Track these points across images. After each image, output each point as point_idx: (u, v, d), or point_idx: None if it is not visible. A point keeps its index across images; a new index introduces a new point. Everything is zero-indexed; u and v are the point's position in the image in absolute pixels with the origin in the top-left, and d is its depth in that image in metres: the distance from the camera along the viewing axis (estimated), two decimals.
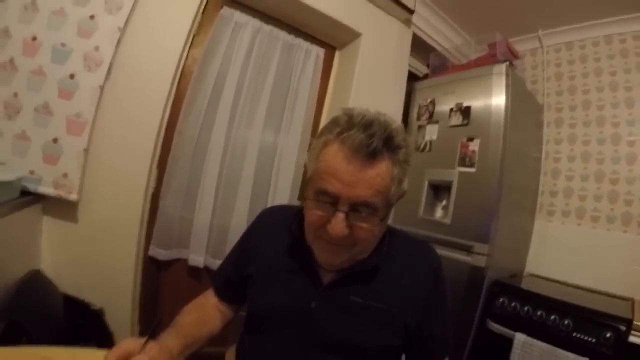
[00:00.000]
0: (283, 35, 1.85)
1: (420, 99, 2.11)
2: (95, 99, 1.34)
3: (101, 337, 1.31)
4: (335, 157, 0.64)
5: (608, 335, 1.29)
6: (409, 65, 2.19)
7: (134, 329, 1.51)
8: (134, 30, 1.39)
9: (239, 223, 1.72)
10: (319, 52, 1.95)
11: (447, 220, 1.79)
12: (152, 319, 1.55)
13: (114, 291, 1.43)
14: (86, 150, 1.33)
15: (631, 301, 1.60)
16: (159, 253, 1.59)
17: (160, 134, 1.52)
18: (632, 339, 1.27)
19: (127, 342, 0.60)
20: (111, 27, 1.35)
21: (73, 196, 1.31)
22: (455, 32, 2.36)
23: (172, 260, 1.64)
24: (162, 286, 1.67)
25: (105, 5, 1.35)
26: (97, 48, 1.33)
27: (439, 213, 1.92)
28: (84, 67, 1.32)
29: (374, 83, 1.95)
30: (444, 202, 1.88)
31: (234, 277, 0.86)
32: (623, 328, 1.29)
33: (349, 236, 0.66)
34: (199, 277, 1.71)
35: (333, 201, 0.65)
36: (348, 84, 1.91)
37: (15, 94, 1.27)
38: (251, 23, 1.76)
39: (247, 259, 0.84)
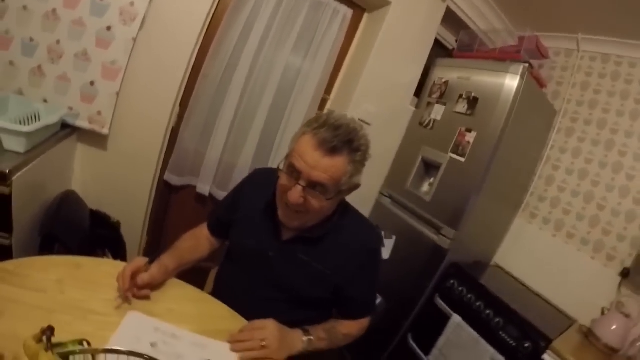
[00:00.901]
0: None
1: (436, 76, 2.12)
2: (128, 49, 1.54)
3: (117, 246, 1.68)
4: (307, 144, 0.85)
5: (527, 345, 1.45)
6: (439, 35, 2.17)
7: (143, 240, 1.91)
8: None
9: (245, 161, 1.97)
10: (346, 12, 1.98)
11: (428, 198, 1.93)
12: (159, 234, 1.99)
13: (131, 208, 1.80)
14: (118, 93, 1.57)
15: (572, 323, 1.72)
16: (172, 179, 1.90)
17: (185, 78, 1.72)
18: (546, 357, 1.41)
19: (137, 260, 0.89)
20: None
21: (105, 130, 1.60)
22: (495, 15, 2.24)
23: (182, 186, 1.96)
24: (171, 207, 2.03)
25: None
26: (132, 4, 1.49)
27: (424, 188, 2.05)
28: (119, 21, 1.49)
29: (395, 51, 2.00)
30: (431, 180, 1.99)
31: (223, 219, 1.12)
32: (542, 344, 1.43)
33: (302, 205, 0.87)
34: (203, 203, 2.03)
35: (297, 176, 0.86)
36: (369, 49, 1.97)
37: (58, 41, 1.49)
38: None
39: (235, 207, 1.09)
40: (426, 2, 2.01)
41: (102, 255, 1.56)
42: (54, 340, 0.55)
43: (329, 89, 2.08)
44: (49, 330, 0.55)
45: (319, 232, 0.96)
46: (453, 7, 2.11)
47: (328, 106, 2.12)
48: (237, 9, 1.78)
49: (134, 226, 1.80)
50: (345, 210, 1.02)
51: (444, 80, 2.05)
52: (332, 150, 0.83)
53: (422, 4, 1.99)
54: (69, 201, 1.50)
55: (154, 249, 1.93)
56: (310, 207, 0.88)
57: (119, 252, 1.66)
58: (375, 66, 1.94)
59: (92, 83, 1.55)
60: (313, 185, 0.85)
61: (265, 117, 1.96)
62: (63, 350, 0.57)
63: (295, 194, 0.85)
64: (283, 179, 0.90)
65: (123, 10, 1.49)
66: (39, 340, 0.55)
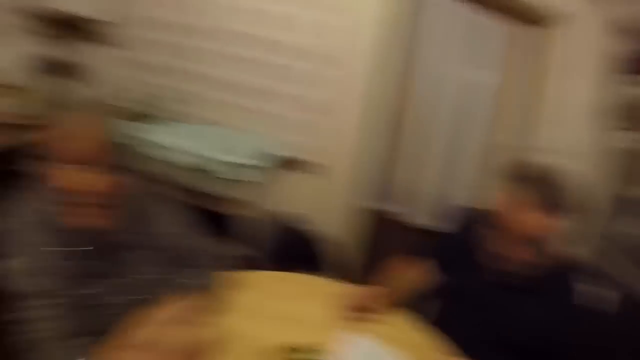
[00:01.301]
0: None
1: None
2: (341, 88, 1.68)
3: (314, 263, 1.79)
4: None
5: None
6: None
7: (349, 260, 1.98)
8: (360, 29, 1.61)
9: (460, 191, 1.86)
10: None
11: None
12: (365, 256, 2.04)
13: (340, 230, 1.94)
14: (336, 130, 1.75)
15: None
16: (385, 206, 1.94)
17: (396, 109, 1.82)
18: None
19: (372, 287, 0.95)
20: (341, 28, 1.61)
21: (323, 161, 1.79)
22: None
23: (394, 213, 1.99)
24: (380, 233, 2.01)
25: (334, 10, 1.61)
26: (335, 48, 1.63)
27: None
28: (325, 63, 1.66)
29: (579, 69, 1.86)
30: None
31: (444, 254, 1.10)
32: None
33: None
34: (413, 232, 2.01)
35: None
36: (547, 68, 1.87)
37: (273, 83, 1.71)
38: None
39: (452, 245, 1.08)
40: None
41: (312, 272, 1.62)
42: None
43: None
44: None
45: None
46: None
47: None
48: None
49: (340, 247, 1.95)
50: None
51: None
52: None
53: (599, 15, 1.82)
54: (292, 223, 1.75)
55: (356, 269, 2.00)
56: None
57: (328, 269, 1.80)
58: (556, 87, 1.85)
59: (309, 120, 1.74)
60: None
61: (443, 143, 1.86)
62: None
63: None
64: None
65: (328, 54, 1.64)
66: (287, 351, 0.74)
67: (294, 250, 1.67)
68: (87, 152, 0.69)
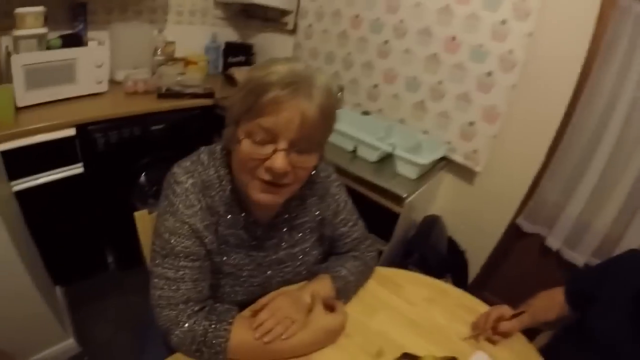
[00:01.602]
0: None
1: None
2: (508, 95, 1.57)
3: (460, 273, 1.86)
4: None
5: None
6: None
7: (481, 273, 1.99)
8: (541, 33, 1.50)
9: (603, 223, 1.66)
10: None
11: None
12: (496, 272, 1.97)
13: (479, 241, 1.91)
14: (495, 137, 1.64)
15: None
16: (524, 224, 1.81)
17: (557, 127, 1.64)
18: None
19: (504, 308, 0.89)
20: (522, 32, 1.49)
21: (478, 168, 1.73)
22: None
23: (532, 233, 1.83)
24: (514, 250, 1.96)
25: (514, 13, 1.49)
26: (510, 52, 1.52)
27: None
28: (499, 68, 1.56)
29: None
30: None
31: (586, 290, 0.98)
32: None
33: None
34: (547, 256, 1.83)
35: None
36: None
37: (440, 82, 1.72)
38: None
39: (600, 284, 0.96)
40: None
41: (445, 279, 1.69)
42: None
43: None
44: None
45: None
46: None
47: None
48: (611, 51, 1.52)
49: (476, 259, 1.95)
50: None
51: None
52: None
53: None
54: (435, 225, 1.73)
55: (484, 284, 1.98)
56: None
57: (460, 279, 1.83)
58: None
59: (471, 123, 1.68)
60: None
61: (634, 176, 1.60)
62: None
63: None
64: None
65: (503, 57, 1.54)
66: None
67: (435, 254, 1.65)
68: (293, 127, 0.62)
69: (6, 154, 1.31)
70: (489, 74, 1.57)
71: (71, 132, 1.47)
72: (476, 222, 1.86)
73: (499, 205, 1.81)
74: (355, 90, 2.02)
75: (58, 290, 1.70)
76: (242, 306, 0.81)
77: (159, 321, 0.72)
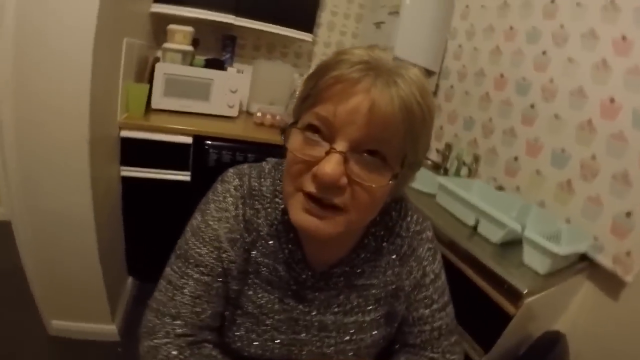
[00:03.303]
0: None
1: None
2: None
3: None
4: None
5: None
6: None
7: None
8: None
9: None
10: None
11: None
12: None
13: None
14: None
15: None
16: None
17: None
18: None
19: None
20: None
21: (628, 278, 1.27)
22: None
23: None
24: None
25: None
26: None
27: None
28: None
29: None
30: None
31: None
32: None
33: None
34: None
35: None
36: None
37: (593, 156, 1.37)
38: None
39: None
40: None
41: None
42: None
43: None
44: None
45: None
46: None
47: None
48: None
49: None
50: None
51: None
52: None
53: None
54: (557, 346, 1.30)
55: None
56: None
57: None
58: None
59: (628, 214, 1.27)
60: None
61: None
62: None
63: None
64: None
65: None
66: None
67: None
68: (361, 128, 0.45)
69: (126, 141, 1.51)
70: None
71: (188, 140, 1.61)
72: (612, 353, 1.30)
73: None
74: (493, 161, 1.78)
75: (130, 282, 1.82)
76: None
77: (142, 323, 0.61)
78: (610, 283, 1.32)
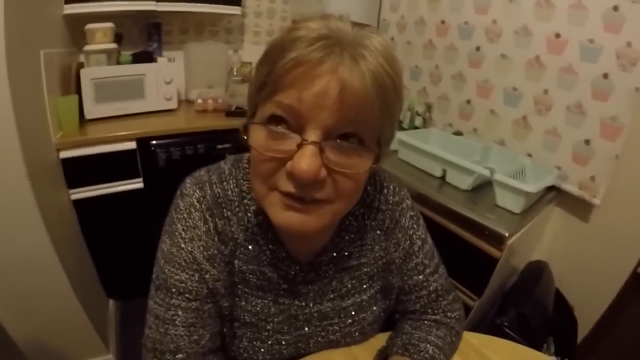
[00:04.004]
0: None
1: None
2: (631, 102, 1.24)
3: (567, 335, 1.42)
4: None
5: None
6: None
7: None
8: None
9: None
10: None
11: None
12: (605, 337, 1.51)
13: (591, 296, 1.44)
14: (618, 158, 1.29)
15: None
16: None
17: None
18: None
19: None
20: None
21: (596, 200, 1.35)
22: None
23: None
24: (637, 308, 1.49)
25: None
26: (629, 44, 1.20)
27: None
28: (617, 66, 1.24)
29: None
30: None
31: None
32: None
33: None
34: None
35: None
36: None
37: (546, 91, 1.42)
38: None
39: None
40: None
41: (547, 343, 1.33)
42: None
43: None
44: None
45: None
46: None
47: None
48: None
49: (587, 317, 1.47)
50: None
51: None
52: None
53: None
54: (542, 275, 1.37)
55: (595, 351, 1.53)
56: None
57: (566, 343, 1.38)
58: None
59: (586, 142, 1.35)
60: None
61: None
62: None
63: None
64: None
65: (619, 53, 1.23)
66: None
67: (539, 312, 1.26)
68: (336, 110, 0.41)
69: (67, 161, 1.38)
70: (605, 75, 1.25)
71: (132, 145, 1.49)
72: (590, 270, 1.43)
73: (620, 248, 1.37)
74: (446, 107, 1.82)
75: (111, 304, 1.74)
76: None
77: None
78: (579, 208, 1.45)
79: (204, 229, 0.54)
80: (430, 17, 1.78)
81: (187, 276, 0.53)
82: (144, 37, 1.85)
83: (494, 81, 1.56)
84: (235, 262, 0.57)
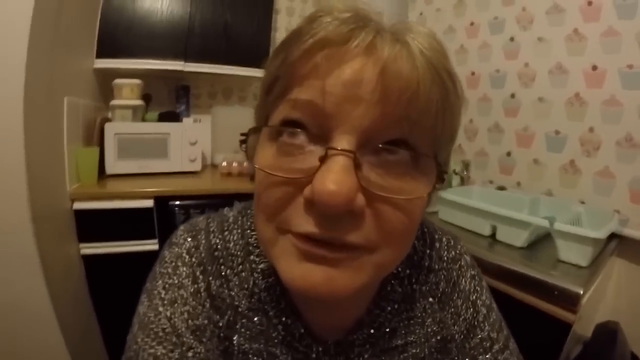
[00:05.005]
0: None
1: None
2: None
3: None
4: None
5: None
6: None
7: None
8: None
9: None
10: None
11: None
12: None
13: None
14: None
15: None
16: None
17: None
18: None
19: None
20: None
21: None
22: None
23: None
24: None
25: None
26: None
27: None
28: None
29: None
30: None
31: None
32: None
33: None
34: None
35: None
36: None
37: (591, 129, 1.33)
38: None
39: None
40: None
41: None
42: None
43: None
44: None
45: None
46: None
47: None
48: None
49: None
50: None
51: None
52: None
53: None
54: (616, 339, 1.16)
55: None
56: None
57: None
58: None
59: None
60: None
61: None
62: None
63: None
64: None
65: None
66: None
67: None
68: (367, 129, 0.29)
69: (80, 213, 1.35)
70: None
71: (149, 203, 1.46)
72: None
73: None
74: (484, 163, 1.71)
75: None
76: None
77: None
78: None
79: (192, 290, 0.41)
80: (459, 70, 1.73)
81: (163, 351, 0.38)
82: (172, 99, 1.93)
83: (533, 127, 1.47)
84: (235, 338, 0.43)
